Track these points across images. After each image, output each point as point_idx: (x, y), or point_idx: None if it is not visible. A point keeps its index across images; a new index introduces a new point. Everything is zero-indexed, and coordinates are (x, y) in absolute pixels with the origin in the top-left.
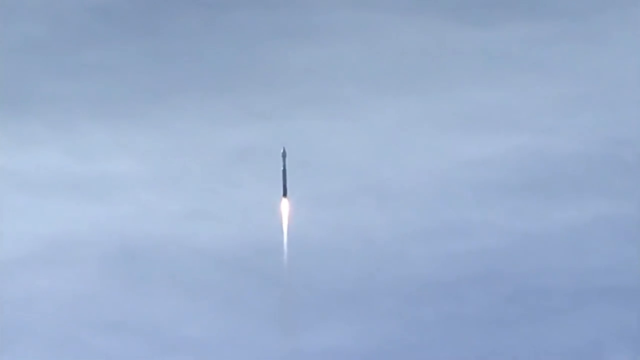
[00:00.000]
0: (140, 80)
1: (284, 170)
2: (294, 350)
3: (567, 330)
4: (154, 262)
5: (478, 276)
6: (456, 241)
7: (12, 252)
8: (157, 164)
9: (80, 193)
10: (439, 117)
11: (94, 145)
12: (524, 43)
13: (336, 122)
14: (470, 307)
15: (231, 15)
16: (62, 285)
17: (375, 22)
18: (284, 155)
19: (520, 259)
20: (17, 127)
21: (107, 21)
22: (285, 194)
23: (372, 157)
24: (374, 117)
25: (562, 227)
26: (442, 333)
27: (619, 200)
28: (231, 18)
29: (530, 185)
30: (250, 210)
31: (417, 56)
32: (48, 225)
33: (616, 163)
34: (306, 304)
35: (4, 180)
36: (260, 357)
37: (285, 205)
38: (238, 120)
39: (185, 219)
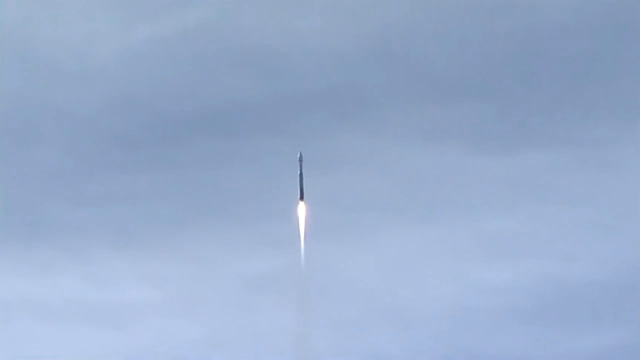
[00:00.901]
0: (157, 208)
1: (301, 175)
2: None
3: None
4: None
5: None
6: None
7: None
8: (174, 291)
9: (98, 320)
10: (457, 244)
11: (110, 272)
12: (541, 171)
13: (354, 249)
14: None
15: (248, 144)
16: None
17: (393, 150)
18: (300, 159)
19: None
20: (34, 254)
21: (124, 149)
22: (302, 198)
23: (389, 283)
24: (391, 244)
25: (580, 355)
26: None
27: (638, 328)
28: (248, 147)
29: (548, 312)
30: (266, 338)
31: (434, 184)
32: (66, 352)
33: (635, 291)
34: None
35: (22, 307)
36: None
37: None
38: (255, 247)
39: (202, 345)
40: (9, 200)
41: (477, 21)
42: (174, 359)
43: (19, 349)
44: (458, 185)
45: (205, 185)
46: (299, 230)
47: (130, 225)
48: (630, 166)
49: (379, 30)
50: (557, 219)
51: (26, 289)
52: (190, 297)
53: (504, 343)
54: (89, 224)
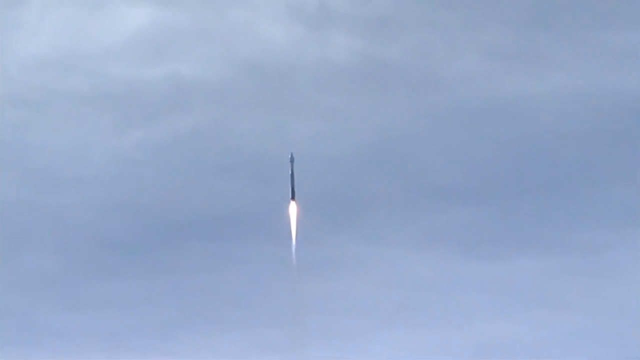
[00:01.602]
0: (151, 313)
1: (292, 175)
2: None
3: None
4: None
5: None
6: None
7: None
8: None
9: None
10: (451, 349)
11: None
12: (535, 276)
13: (349, 353)
14: None
15: (241, 248)
16: None
17: (387, 255)
18: (291, 160)
19: None
20: (29, 359)
21: (118, 254)
22: (293, 197)
23: None
24: (384, 350)
25: None
26: None
27: None
28: (241, 252)
29: None
30: None
31: (428, 289)
32: None
33: None
34: None
35: None
36: None
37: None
38: (250, 353)
39: None
40: (3, 305)
41: (471, 128)
42: None
43: None
44: (452, 290)
45: (198, 290)
46: (295, 335)
47: (125, 330)
48: (624, 272)
49: (373, 137)
50: (552, 324)
51: None
52: None
53: None
54: (83, 329)
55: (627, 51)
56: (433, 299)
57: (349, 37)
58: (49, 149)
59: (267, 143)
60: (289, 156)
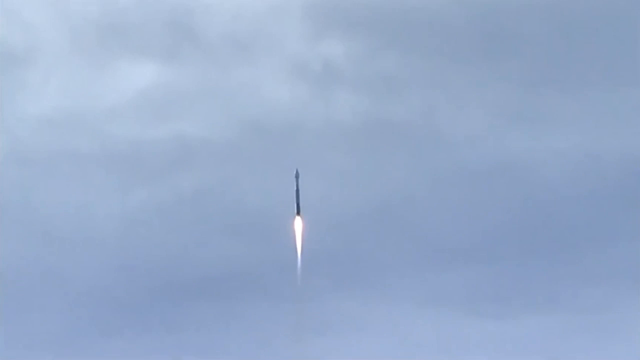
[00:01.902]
0: None
1: (297, 191)
2: None
3: None
4: None
5: None
6: None
7: None
8: None
9: None
10: None
11: None
12: (538, 334)
13: None
14: None
15: (246, 307)
16: None
17: (392, 314)
18: (297, 176)
19: None
20: None
21: (123, 314)
22: (298, 212)
23: None
24: None
25: None
26: None
27: None
28: (246, 310)
29: None
30: None
31: (432, 346)
32: None
33: None
34: None
35: None
36: None
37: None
38: None
39: None
40: None
41: (475, 187)
42: None
43: None
44: (457, 348)
45: (203, 349)
46: None
47: None
48: (627, 331)
49: (378, 196)
50: None
51: None
52: None
53: None
54: None
55: (631, 110)
56: (436, 356)
57: (353, 97)
58: (53, 209)
59: (271, 202)
60: (295, 172)
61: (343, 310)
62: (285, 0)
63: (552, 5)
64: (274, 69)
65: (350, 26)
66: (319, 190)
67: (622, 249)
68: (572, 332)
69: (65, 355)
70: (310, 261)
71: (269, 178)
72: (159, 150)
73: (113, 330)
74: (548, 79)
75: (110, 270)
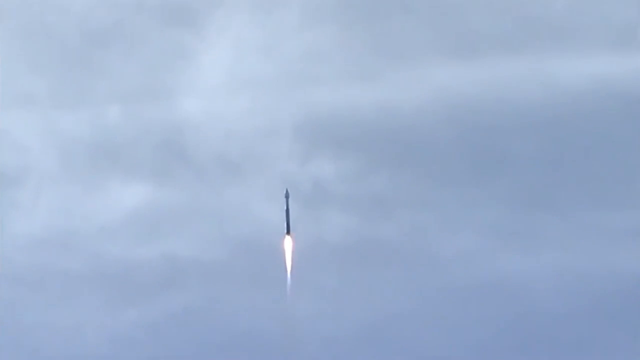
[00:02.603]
0: None
1: (287, 210)
2: None
3: None
4: None
5: None
6: None
7: None
8: None
9: None
10: None
11: None
12: None
13: None
14: None
15: None
16: None
17: None
18: (287, 196)
19: None
20: None
21: None
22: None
23: None
24: None
25: None
26: None
27: None
28: None
29: None
30: None
31: None
32: None
33: None
34: None
35: None
36: None
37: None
38: None
39: None
40: None
41: (467, 306)
42: None
43: None
44: None
45: None
46: None
47: None
48: None
49: (369, 316)
50: None
51: None
52: None
53: None
54: None
55: (621, 231)
56: None
57: (343, 216)
58: (43, 328)
59: (263, 321)
60: (285, 192)
61: None
62: (275, 121)
63: (543, 126)
64: (265, 188)
65: (340, 146)
66: (310, 309)
67: None
68: None
69: None
70: None
71: (260, 297)
72: (149, 270)
73: None
74: (538, 200)
75: None
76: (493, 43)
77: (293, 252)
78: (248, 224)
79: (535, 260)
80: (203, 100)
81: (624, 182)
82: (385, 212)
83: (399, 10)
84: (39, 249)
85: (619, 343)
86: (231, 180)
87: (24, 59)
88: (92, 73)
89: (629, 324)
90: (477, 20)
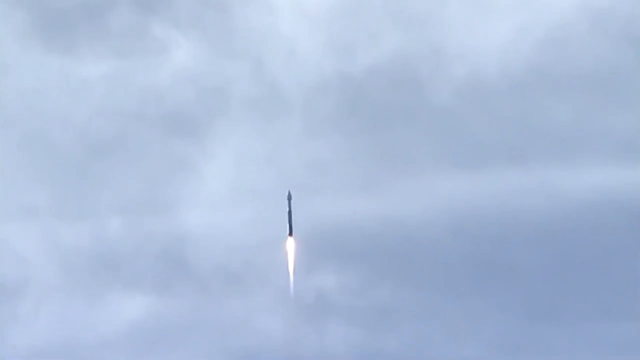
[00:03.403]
0: None
1: (290, 212)
2: None
3: None
4: None
5: None
6: None
7: None
8: None
9: None
10: None
11: None
12: None
13: None
14: None
15: None
16: None
17: None
18: (289, 198)
19: None
20: None
21: None
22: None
23: None
24: None
25: None
26: None
27: None
28: None
29: None
30: None
31: None
32: None
33: None
34: None
35: None
36: None
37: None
38: None
39: None
40: None
41: None
42: None
43: None
44: None
45: None
46: None
47: None
48: None
49: None
50: None
51: None
52: None
53: None
54: None
55: (627, 343)
56: None
57: (346, 328)
58: None
59: None
60: (287, 193)
61: None
62: (277, 232)
63: (548, 238)
64: (268, 300)
65: (343, 257)
66: None
67: None
68: None
69: None
70: None
71: None
72: None
73: None
74: (543, 311)
75: None
76: (497, 154)
77: None
78: (250, 336)
79: None
80: (205, 211)
81: (629, 295)
82: (389, 324)
83: (402, 121)
84: None
85: None
86: (233, 292)
87: (25, 169)
88: (93, 184)
89: None
90: (482, 131)
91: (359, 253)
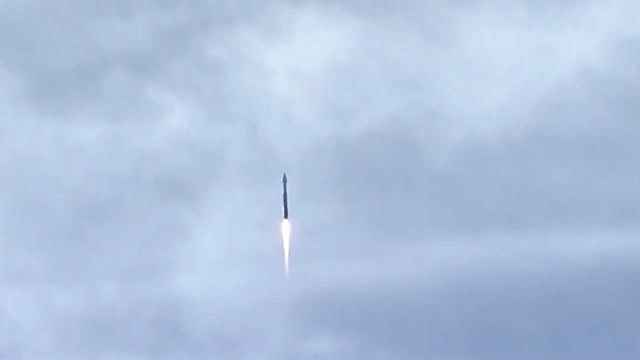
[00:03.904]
0: None
1: (285, 194)
2: None
3: None
4: None
5: None
6: None
7: None
8: None
9: None
10: None
11: None
12: None
13: None
14: None
15: None
16: None
17: None
18: (284, 180)
19: None
20: None
21: None
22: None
23: None
24: None
25: None
26: None
27: None
28: None
29: None
30: None
31: None
32: None
33: None
34: None
35: None
36: None
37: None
38: None
39: None
40: None
41: None
42: None
43: None
44: None
45: None
46: None
47: None
48: None
49: None
50: None
51: None
52: None
53: None
54: None
55: None
56: None
57: None
58: None
59: None
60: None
61: None
62: (272, 297)
63: (546, 303)
64: None
65: (339, 323)
66: None
67: None
68: None
69: None
70: None
71: None
72: None
73: None
74: None
75: None
76: (495, 218)
77: None
78: None
79: None
80: (199, 276)
81: (627, 358)
82: None
83: (399, 185)
84: None
85: None
86: (228, 358)
87: (18, 233)
88: (87, 248)
89: None
90: (479, 195)
91: (355, 318)
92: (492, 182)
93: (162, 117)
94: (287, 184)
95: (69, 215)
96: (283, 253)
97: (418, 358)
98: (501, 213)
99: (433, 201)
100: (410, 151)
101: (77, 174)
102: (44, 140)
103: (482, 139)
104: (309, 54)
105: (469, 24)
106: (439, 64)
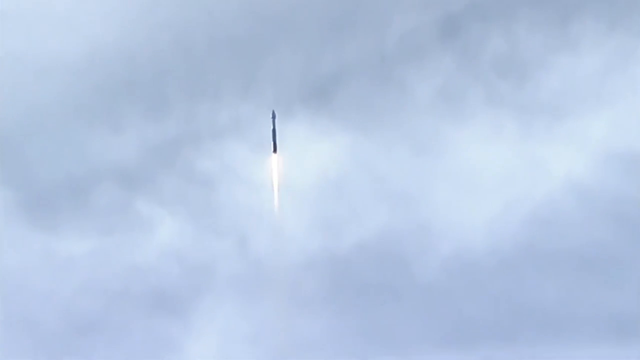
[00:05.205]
0: None
1: (274, 130)
2: None
3: None
4: None
5: None
6: None
7: None
8: None
9: None
10: None
11: None
12: None
13: None
14: None
15: None
16: None
17: None
18: (273, 116)
19: None
20: None
21: None
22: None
23: None
24: None
25: None
26: None
27: None
28: None
29: None
30: None
31: None
32: None
33: None
34: None
35: None
36: None
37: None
38: None
39: None
40: None
41: None
42: None
43: None
44: None
45: None
46: None
47: None
48: None
49: None
50: None
51: None
52: None
53: None
54: None
55: None
56: None
57: None
58: None
59: None
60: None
61: None
62: None
63: None
64: None
65: None
66: None
67: None
68: None
69: None
70: None
71: None
72: None
73: None
74: None
75: None
76: (485, 332)
77: None
78: None
79: None
80: None
81: None
82: None
83: (389, 298)
84: None
85: None
86: None
87: (8, 347)
88: None
89: None
90: (469, 308)
91: None
92: (482, 295)
93: (152, 231)
94: (274, 302)
95: (60, 329)
96: None
97: None
98: (491, 326)
99: (423, 314)
100: (400, 264)
101: (67, 287)
102: (34, 254)
103: (471, 252)
104: (299, 168)
105: (459, 138)
106: (429, 177)
